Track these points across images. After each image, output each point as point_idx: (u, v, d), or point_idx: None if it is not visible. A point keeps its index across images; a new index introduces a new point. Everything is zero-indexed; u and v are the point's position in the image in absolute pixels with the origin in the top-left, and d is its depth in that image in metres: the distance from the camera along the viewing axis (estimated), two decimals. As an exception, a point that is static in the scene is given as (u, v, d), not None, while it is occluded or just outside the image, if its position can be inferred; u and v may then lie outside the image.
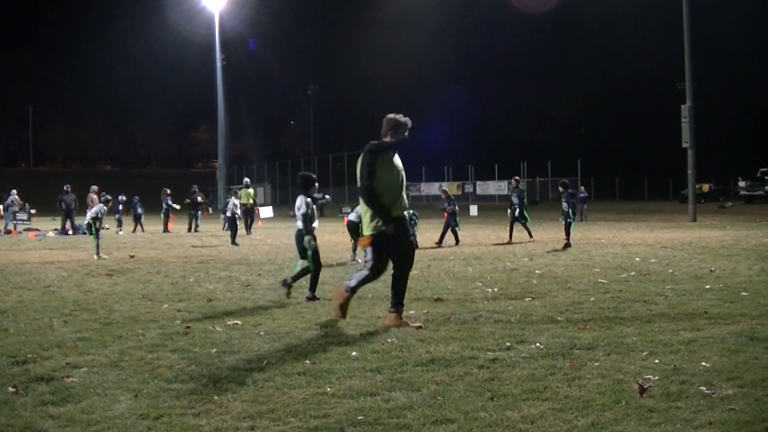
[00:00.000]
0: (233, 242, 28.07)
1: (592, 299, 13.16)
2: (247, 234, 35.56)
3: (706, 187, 70.94)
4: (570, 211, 25.79)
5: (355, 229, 21.94)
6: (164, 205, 41.01)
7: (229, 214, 29.64)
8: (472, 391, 7.43)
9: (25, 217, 43.37)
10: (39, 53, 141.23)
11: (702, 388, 7.31)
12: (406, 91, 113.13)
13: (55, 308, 13.32)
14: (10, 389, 7.82)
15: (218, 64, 77.66)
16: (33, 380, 8.20)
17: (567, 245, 25.02)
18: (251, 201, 39.28)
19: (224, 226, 36.60)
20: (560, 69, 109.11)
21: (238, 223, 29.79)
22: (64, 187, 39.94)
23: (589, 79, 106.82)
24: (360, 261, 21.18)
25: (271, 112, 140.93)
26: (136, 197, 41.41)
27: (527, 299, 13.47)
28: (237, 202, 30.17)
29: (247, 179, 42.05)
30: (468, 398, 7.21)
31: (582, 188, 54.65)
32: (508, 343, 9.56)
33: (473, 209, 50.65)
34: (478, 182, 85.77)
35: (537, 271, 17.89)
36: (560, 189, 27.19)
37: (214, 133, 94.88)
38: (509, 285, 15.54)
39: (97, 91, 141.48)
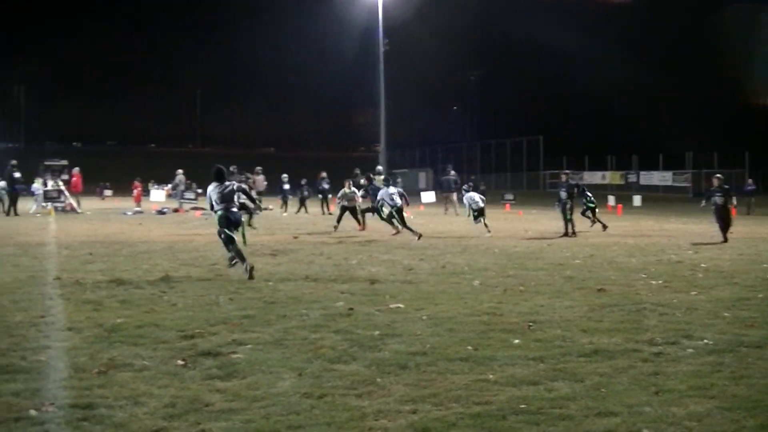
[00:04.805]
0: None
1: (760, 296, 12.80)
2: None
3: None
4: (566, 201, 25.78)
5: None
6: (319, 188, 41.67)
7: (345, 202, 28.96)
8: (636, 385, 7.34)
9: (192, 196, 44.75)
10: (207, 38, 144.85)
11: None
12: (578, 77, 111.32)
13: (221, 286, 13.75)
14: (179, 362, 8.16)
15: (381, 49, 78.12)
16: (200, 354, 8.52)
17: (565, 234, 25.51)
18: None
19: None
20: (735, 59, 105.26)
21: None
22: (230, 168, 40.86)
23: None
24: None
25: (434, 97, 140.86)
26: (304, 180, 42.09)
27: (692, 293, 13.17)
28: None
29: (379, 167, 42.66)
30: (632, 392, 7.13)
31: (749, 181, 52.60)
32: (673, 338, 9.40)
33: (636, 199, 49.87)
34: (641, 172, 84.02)
35: (702, 265, 17.45)
36: (563, 178, 27.79)
37: (376, 117, 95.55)
38: (674, 278, 15.21)
39: (260, 75, 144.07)
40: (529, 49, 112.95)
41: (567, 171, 31.23)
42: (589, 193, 29.27)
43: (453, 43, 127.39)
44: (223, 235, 15.44)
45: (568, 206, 25.45)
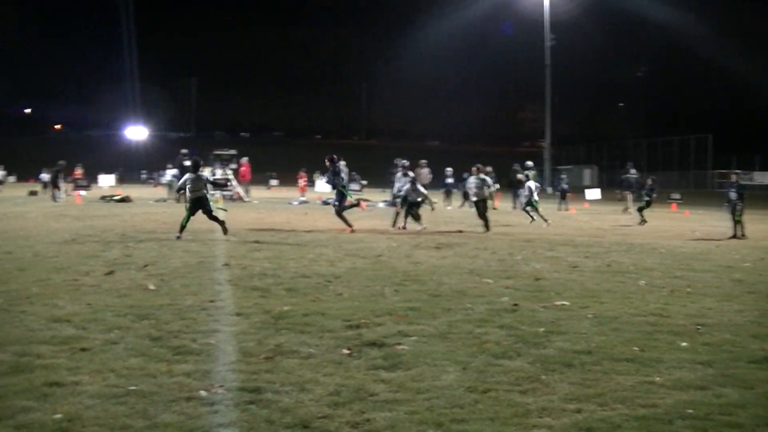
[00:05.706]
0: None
1: None
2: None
3: None
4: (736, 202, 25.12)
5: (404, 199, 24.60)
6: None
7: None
8: (810, 396, 7.08)
9: (357, 188, 45.41)
10: (373, 32, 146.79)
11: None
12: (749, 74, 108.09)
13: (386, 277, 13.85)
14: (345, 351, 8.28)
15: (547, 44, 77.70)
16: (365, 344, 8.61)
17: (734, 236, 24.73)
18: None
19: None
20: None
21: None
22: (395, 161, 41.14)
23: None
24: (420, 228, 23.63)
25: (600, 93, 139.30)
26: (467, 174, 42.05)
27: None
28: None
29: (529, 162, 42.18)
30: (806, 402, 6.88)
31: None
32: None
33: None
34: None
35: None
36: (732, 178, 27.74)
37: (542, 113, 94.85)
38: None
39: (427, 69, 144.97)
40: (699, 44, 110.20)
41: (737, 171, 30.73)
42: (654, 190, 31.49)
43: (620, 38, 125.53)
44: (187, 213, 20.36)
45: (737, 207, 24.73)
